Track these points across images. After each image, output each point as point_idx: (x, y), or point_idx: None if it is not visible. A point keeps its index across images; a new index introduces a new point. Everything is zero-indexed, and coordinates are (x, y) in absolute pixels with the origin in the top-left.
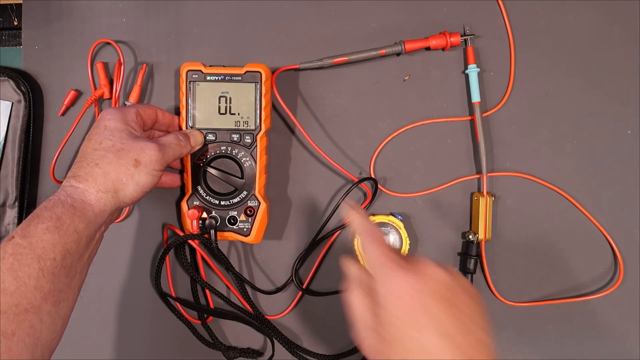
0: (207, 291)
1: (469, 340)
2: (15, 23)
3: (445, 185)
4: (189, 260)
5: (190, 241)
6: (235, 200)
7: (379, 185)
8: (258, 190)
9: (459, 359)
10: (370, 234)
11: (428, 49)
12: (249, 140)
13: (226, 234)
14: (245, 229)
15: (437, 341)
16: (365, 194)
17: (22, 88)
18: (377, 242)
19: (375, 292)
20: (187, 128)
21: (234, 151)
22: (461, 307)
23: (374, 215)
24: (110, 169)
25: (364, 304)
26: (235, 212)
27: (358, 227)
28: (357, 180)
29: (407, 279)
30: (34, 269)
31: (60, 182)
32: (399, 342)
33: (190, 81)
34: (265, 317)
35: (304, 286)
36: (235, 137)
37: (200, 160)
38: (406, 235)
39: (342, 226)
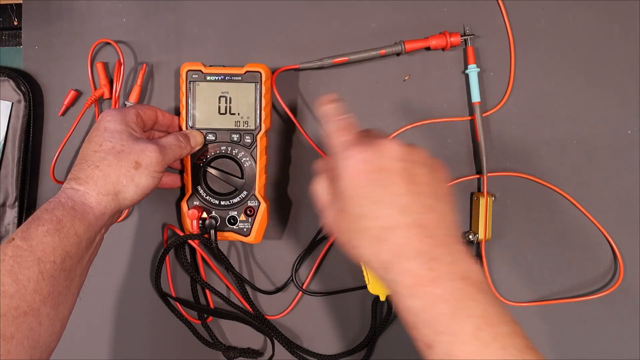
0: (207, 291)
1: (429, 213)
2: (15, 23)
3: None
4: (189, 260)
5: (190, 241)
6: (235, 200)
7: None
8: (258, 190)
9: (415, 229)
10: (334, 120)
11: (428, 49)
12: (249, 140)
13: (226, 234)
14: (245, 229)
15: (393, 212)
16: None
17: (22, 88)
18: (340, 126)
19: (335, 170)
20: (187, 128)
21: (234, 151)
22: (419, 180)
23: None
24: (110, 171)
25: (326, 186)
26: (235, 212)
27: (325, 114)
28: None
29: (364, 153)
30: (33, 271)
31: (61, 183)
32: (355, 215)
33: (190, 81)
34: (265, 317)
35: (304, 286)
36: (235, 137)
37: (200, 161)
38: None
39: None
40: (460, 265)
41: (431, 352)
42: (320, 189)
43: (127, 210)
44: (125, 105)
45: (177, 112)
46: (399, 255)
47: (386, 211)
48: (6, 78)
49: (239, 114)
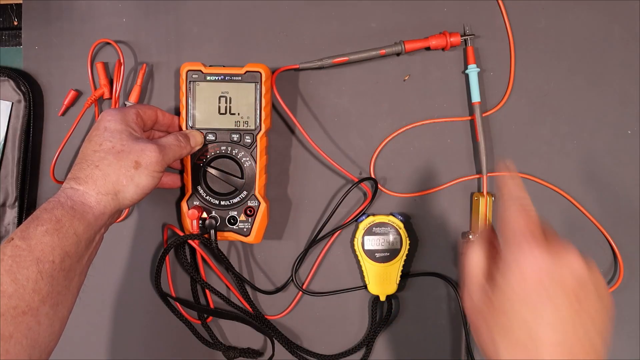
0: (207, 291)
1: (582, 342)
2: (15, 23)
3: (445, 185)
4: (189, 260)
5: (190, 241)
6: (235, 200)
7: (379, 185)
8: (258, 190)
9: (563, 355)
10: (518, 201)
11: (428, 49)
12: (249, 140)
13: (226, 234)
14: (245, 229)
15: (549, 333)
16: (365, 194)
17: (22, 88)
18: (524, 211)
19: (501, 259)
20: (187, 128)
21: (234, 151)
22: (586, 306)
23: (374, 215)
24: (110, 170)
25: (484, 264)
26: (235, 212)
27: (507, 191)
28: (357, 180)
29: (541, 258)
30: (32, 271)
31: (61, 182)
32: (507, 317)
33: (190, 81)
34: (265, 317)
35: (304, 286)
36: (235, 137)
37: (200, 161)
38: (406, 235)
39: (342, 226)
40: None
41: None
42: (476, 262)
43: (127, 210)
44: (125, 105)
45: (177, 112)
46: None
47: (543, 326)
48: (6, 78)
49: (239, 114)
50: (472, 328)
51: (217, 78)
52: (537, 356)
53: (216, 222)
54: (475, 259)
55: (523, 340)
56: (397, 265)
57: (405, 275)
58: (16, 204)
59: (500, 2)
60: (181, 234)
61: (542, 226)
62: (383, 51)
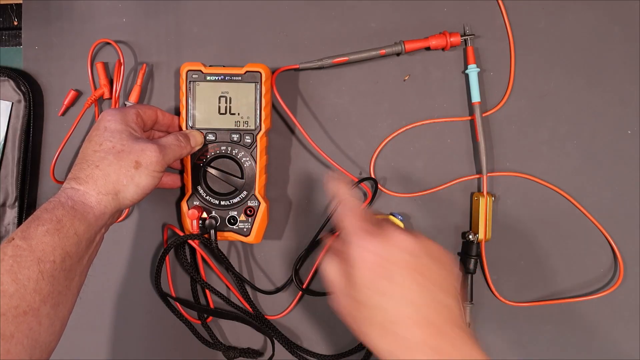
0: (207, 291)
1: (433, 306)
2: (15, 23)
3: (445, 185)
4: (189, 260)
5: (190, 241)
6: (235, 200)
7: (379, 185)
8: (258, 190)
9: (422, 323)
10: (348, 205)
11: (428, 49)
12: (249, 140)
13: (226, 234)
14: (245, 229)
15: (400, 308)
16: (365, 194)
17: (22, 88)
18: (353, 211)
19: (348, 257)
20: (187, 128)
21: (234, 151)
22: (425, 273)
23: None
24: (110, 170)
25: (338, 269)
26: (235, 212)
27: (338, 198)
28: (357, 180)
29: (373, 245)
30: (33, 271)
31: (61, 182)
32: (365, 306)
33: (190, 81)
34: (265, 317)
35: (304, 286)
36: (235, 137)
37: (200, 161)
38: None
39: None
40: (462, 351)
41: None
42: (331, 270)
43: (127, 210)
44: (125, 105)
45: (177, 112)
46: (406, 349)
47: (392, 304)
48: (6, 78)
49: (239, 114)
50: (350, 329)
51: (217, 78)
52: (399, 334)
53: (216, 222)
54: (329, 267)
55: (382, 323)
56: None
57: None
58: (16, 204)
59: (500, 2)
60: (181, 234)
61: (371, 219)
62: (383, 51)
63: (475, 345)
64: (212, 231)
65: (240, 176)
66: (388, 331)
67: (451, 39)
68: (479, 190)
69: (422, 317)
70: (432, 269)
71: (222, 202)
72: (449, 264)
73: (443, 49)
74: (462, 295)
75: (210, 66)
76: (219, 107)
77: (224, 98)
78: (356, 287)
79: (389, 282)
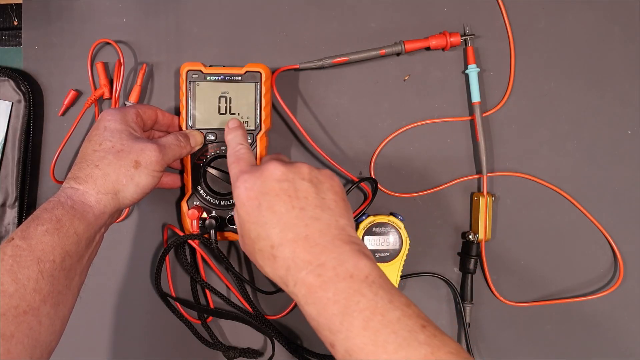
0: (207, 291)
1: (312, 224)
2: (15, 23)
3: (445, 185)
4: (189, 260)
5: (190, 241)
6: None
7: (379, 185)
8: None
9: (299, 241)
10: (233, 154)
11: (428, 49)
12: (249, 140)
13: (226, 234)
14: None
15: (277, 231)
16: (365, 194)
17: (22, 88)
18: (237, 158)
19: (235, 200)
20: (187, 128)
21: None
22: (300, 194)
23: (374, 215)
24: (110, 170)
25: (235, 212)
26: None
27: (228, 143)
28: (357, 180)
29: (248, 181)
30: (33, 271)
31: (60, 182)
32: (251, 238)
33: (190, 81)
34: (265, 317)
35: None
36: None
37: (200, 161)
38: (406, 235)
39: None
40: (345, 265)
41: (334, 351)
42: (234, 214)
43: (127, 210)
44: (125, 105)
45: (177, 112)
46: (290, 269)
47: (272, 231)
48: (6, 78)
49: (239, 114)
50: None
51: (217, 78)
52: (283, 256)
53: (216, 222)
54: (234, 212)
55: (267, 252)
56: (397, 265)
57: (405, 275)
58: (16, 204)
59: (500, 2)
60: (181, 234)
61: (251, 160)
62: (383, 51)
63: (363, 256)
64: (212, 231)
65: None
66: (273, 257)
67: (451, 39)
68: (479, 190)
69: (300, 236)
70: (307, 189)
71: (222, 202)
72: (327, 181)
73: (443, 49)
74: (348, 208)
75: (210, 66)
76: (219, 107)
77: (224, 98)
78: (243, 224)
79: (265, 211)
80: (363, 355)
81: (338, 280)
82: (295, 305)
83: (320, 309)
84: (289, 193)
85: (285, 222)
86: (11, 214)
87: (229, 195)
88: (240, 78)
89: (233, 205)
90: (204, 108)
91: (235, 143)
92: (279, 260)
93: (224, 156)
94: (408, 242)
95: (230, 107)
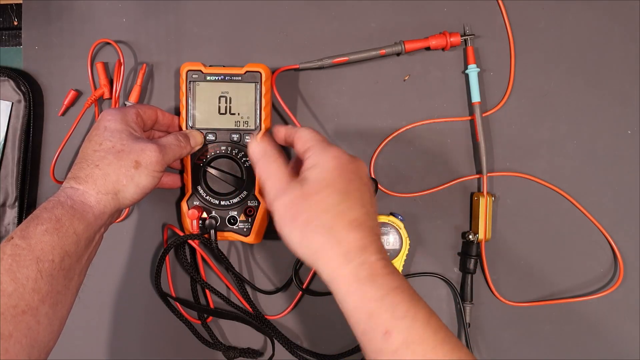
0: (207, 291)
1: (375, 222)
2: (15, 23)
3: (445, 185)
4: (189, 260)
5: (190, 241)
6: (235, 200)
7: (379, 185)
8: (258, 190)
9: (373, 230)
10: (261, 163)
11: (428, 49)
12: (249, 140)
13: (226, 234)
14: (245, 229)
15: (365, 215)
16: None
17: (22, 88)
18: (266, 165)
19: (312, 157)
20: (187, 128)
21: (234, 151)
22: (368, 191)
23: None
24: (110, 170)
25: (285, 168)
26: (235, 212)
27: (255, 152)
28: None
29: (347, 156)
30: (32, 270)
31: (60, 182)
32: (328, 204)
33: (190, 81)
34: (265, 317)
35: (304, 286)
36: (235, 137)
37: (200, 161)
38: (406, 235)
39: None
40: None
41: (389, 339)
42: (278, 168)
43: (127, 210)
44: (125, 105)
45: (177, 112)
46: (366, 248)
47: (360, 210)
48: (6, 78)
49: (239, 114)
50: (281, 233)
51: (217, 78)
52: (363, 237)
53: (216, 222)
54: (274, 164)
55: (347, 223)
56: (397, 265)
57: (405, 275)
58: (16, 204)
59: (500, 2)
60: (181, 234)
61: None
62: (383, 51)
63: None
64: (212, 231)
65: (240, 176)
66: (356, 228)
67: (451, 39)
68: (479, 190)
69: (373, 229)
70: (368, 192)
71: (222, 202)
72: (362, 177)
73: (443, 49)
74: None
75: (210, 66)
76: (219, 107)
77: (224, 98)
78: (320, 186)
79: (356, 190)
80: (422, 347)
81: (400, 276)
82: (295, 305)
83: (384, 292)
84: (368, 188)
85: (367, 209)
86: (11, 214)
87: (228, 195)
88: (240, 78)
89: (233, 205)
90: (204, 108)
91: (257, 152)
92: (357, 234)
93: (224, 156)
94: (408, 242)
95: (230, 107)
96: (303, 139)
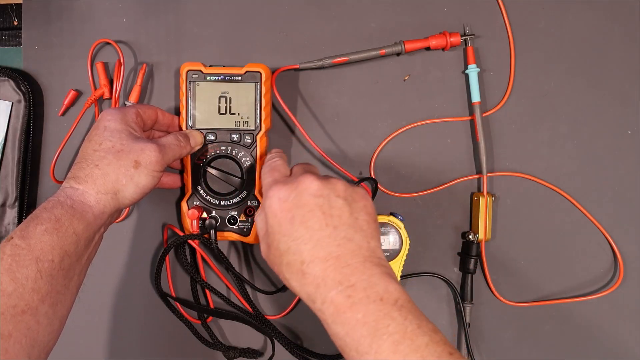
0: (207, 291)
1: (343, 244)
2: (15, 23)
3: (445, 185)
4: (189, 260)
5: (190, 241)
6: (235, 200)
7: (379, 185)
8: (258, 190)
9: (331, 261)
10: (269, 164)
11: (428, 49)
12: (249, 140)
13: (226, 234)
14: (245, 229)
15: (309, 247)
16: None
17: (22, 88)
18: (272, 168)
19: (264, 209)
20: (187, 128)
21: (234, 151)
22: (334, 211)
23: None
24: (110, 170)
25: (261, 220)
26: (235, 212)
27: (266, 159)
28: (357, 180)
29: (282, 191)
30: (32, 270)
31: (60, 182)
32: (281, 250)
33: (190, 81)
34: (265, 317)
35: None
36: (235, 137)
37: (200, 160)
38: (406, 235)
39: None
40: (376, 288)
41: None
42: (258, 221)
43: (126, 210)
44: (125, 105)
45: (177, 112)
46: (320, 287)
47: (304, 247)
48: (6, 78)
49: (239, 114)
50: (278, 276)
51: (217, 78)
52: (313, 274)
53: (216, 222)
54: (257, 218)
55: (297, 267)
56: (397, 265)
57: (406, 275)
58: (16, 204)
59: (500, 2)
60: (181, 234)
61: (286, 171)
62: (383, 51)
63: (393, 280)
64: (212, 231)
65: (240, 176)
66: (302, 273)
67: (451, 39)
68: (479, 190)
69: (332, 255)
70: (342, 208)
71: (222, 202)
72: (360, 200)
73: (443, 49)
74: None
75: (210, 66)
76: (219, 107)
77: (224, 98)
78: (270, 234)
79: (298, 225)
80: None
81: (368, 302)
82: (295, 305)
83: (348, 329)
84: (323, 209)
85: (317, 239)
86: (11, 214)
87: (228, 195)
88: (240, 78)
89: (233, 205)
90: (204, 108)
91: (270, 155)
92: (308, 276)
93: (224, 156)
94: (408, 242)
95: (230, 107)
96: (262, 180)
